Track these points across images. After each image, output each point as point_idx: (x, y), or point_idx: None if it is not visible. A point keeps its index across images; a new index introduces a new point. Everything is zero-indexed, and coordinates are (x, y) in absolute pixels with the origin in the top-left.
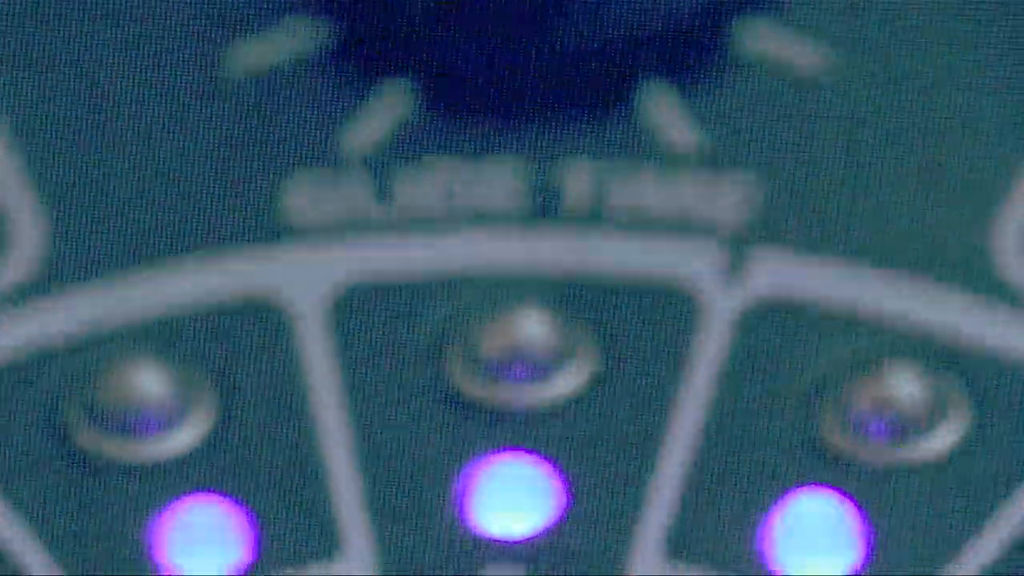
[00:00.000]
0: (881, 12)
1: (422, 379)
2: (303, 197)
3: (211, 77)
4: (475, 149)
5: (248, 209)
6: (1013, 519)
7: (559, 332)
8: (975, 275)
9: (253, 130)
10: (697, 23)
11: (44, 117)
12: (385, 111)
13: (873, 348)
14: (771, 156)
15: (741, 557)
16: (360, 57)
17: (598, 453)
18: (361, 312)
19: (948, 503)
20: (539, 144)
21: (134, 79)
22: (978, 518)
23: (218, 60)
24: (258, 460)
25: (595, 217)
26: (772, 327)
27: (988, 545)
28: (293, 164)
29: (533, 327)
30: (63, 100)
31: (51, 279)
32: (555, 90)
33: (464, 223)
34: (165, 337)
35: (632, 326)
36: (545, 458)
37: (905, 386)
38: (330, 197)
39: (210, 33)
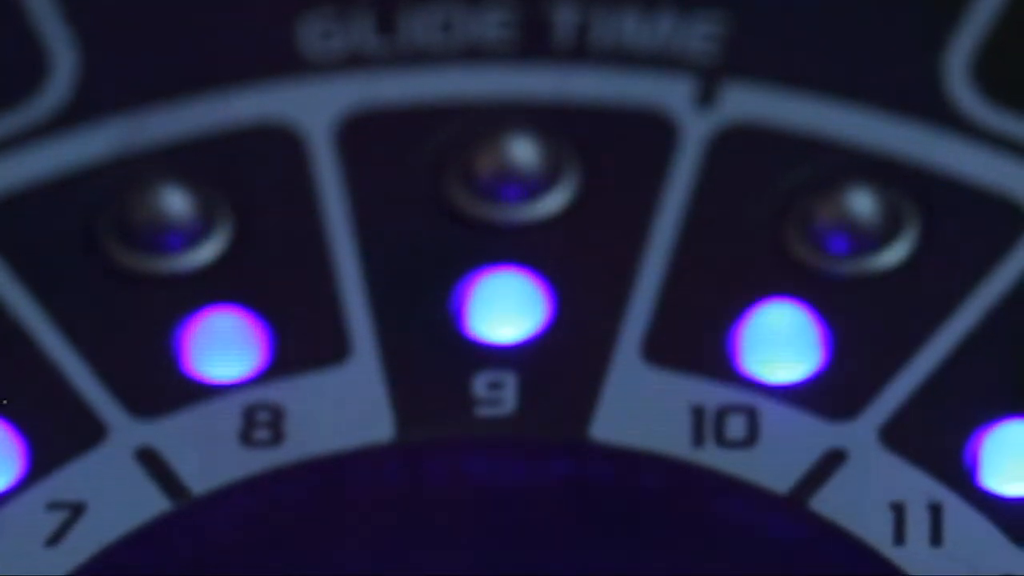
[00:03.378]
0: None
1: (422, 198)
2: (313, 31)
3: None
4: None
5: (263, 43)
6: (963, 324)
7: (546, 155)
8: (926, 101)
9: None
10: None
11: None
12: None
13: (832, 168)
14: None
15: (712, 361)
16: None
17: (582, 266)
18: (366, 137)
19: (903, 310)
20: None
21: None
22: (931, 324)
23: None
24: (273, 273)
25: (580, 51)
26: (740, 150)
27: (940, 349)
28: (304, 1)
29: (523, 150)
30: None
31: (84, 106)
32: None
33: (460, 55)
34: (188, 160)
35: (613, 150)
36: (534, 270)
37: (862, 203)
38: (338, 31)
39: None
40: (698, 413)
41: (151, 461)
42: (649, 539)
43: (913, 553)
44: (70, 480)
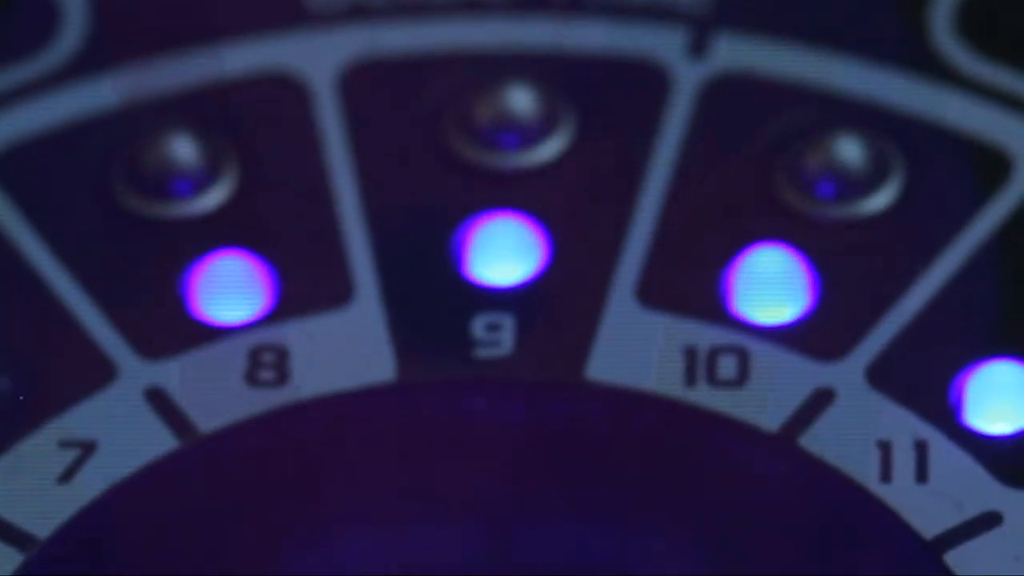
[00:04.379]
0: None
1: (423, 146)
2: None
3: None
4: None
5: None
6: (948, 267)
7: (543, 104)
8: (913, 51)
9: None
10: None
11: None
12: None
13: (821, 116)
14: None
15: (704, 303)
16: None
17: (578, 211)
18: (368, 86)
19: (889, 254)
20: None
21: None
22: (916, 268)
23: None
24: (278, 219)
25: (576, 2)
26: (732, 98)
27: (926, 292)
28: None
29: (521, 99)
30: None
31: (94, 56)
32: None
33: (460, 7)
34: (196, 109)
35: (608, 98)
36: (531, 215)
37: (849, 150)
38: None
39: None
40: (691, 354)
41: (159, 401)
42: (643, 476)
43: (899, 489)
44: (81, 419)
